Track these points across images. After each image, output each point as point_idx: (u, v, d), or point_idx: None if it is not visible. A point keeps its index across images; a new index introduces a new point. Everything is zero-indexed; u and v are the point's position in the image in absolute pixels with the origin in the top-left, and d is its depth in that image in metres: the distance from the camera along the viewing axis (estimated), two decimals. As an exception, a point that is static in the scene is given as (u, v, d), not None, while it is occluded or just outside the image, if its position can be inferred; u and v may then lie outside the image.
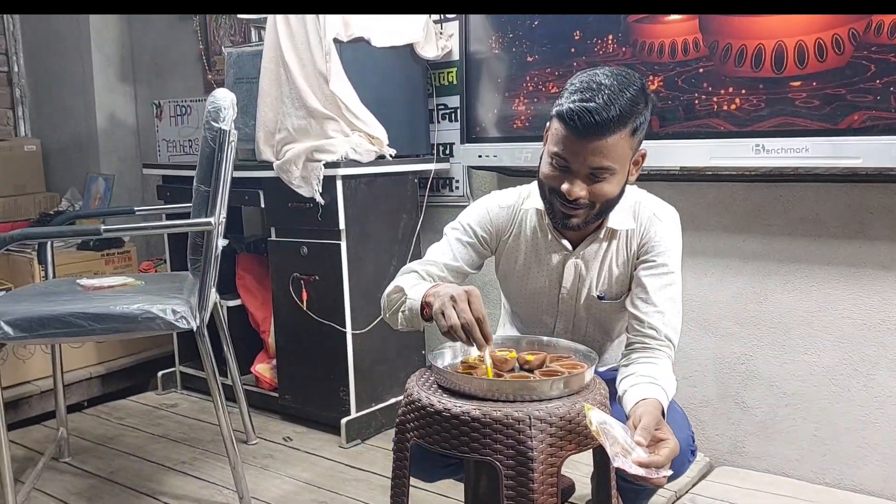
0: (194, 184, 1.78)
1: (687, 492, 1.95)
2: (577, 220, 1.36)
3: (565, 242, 1.46)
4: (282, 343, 2.48)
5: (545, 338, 1.45)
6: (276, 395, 2.54)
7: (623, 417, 1.25)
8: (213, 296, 2.17)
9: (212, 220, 1.74)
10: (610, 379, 1.40)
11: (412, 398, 1.26)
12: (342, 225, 2.26)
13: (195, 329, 1.77)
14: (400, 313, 1.37)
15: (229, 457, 1.86)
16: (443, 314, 1.21)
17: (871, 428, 1.89)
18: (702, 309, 2.12)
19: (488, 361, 1.24)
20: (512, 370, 1.35)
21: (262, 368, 2.58)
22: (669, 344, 1.40)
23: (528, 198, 1.50)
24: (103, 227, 1.66)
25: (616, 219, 1.42)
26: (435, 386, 1.28)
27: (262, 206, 2.44)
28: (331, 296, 2.31)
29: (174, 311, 1.74)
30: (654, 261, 1.43)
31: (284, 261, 2.41)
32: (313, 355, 2.39)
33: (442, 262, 1.48)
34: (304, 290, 2.36)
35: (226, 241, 2.19)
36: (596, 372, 1.56)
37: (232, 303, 2.68)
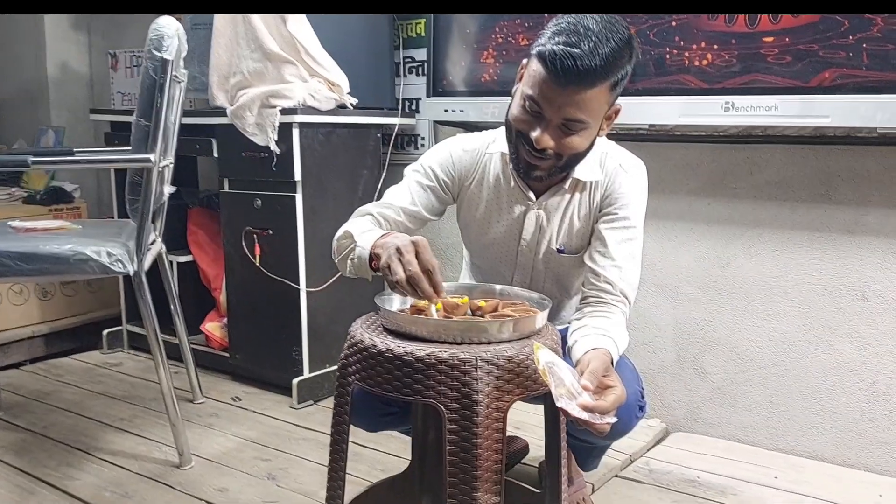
0: (134, 118, 1.67)
1: (642, 455, 1.91)
2: (540, 172, 1.30)
3: (529, 193, 1.39)
4: (233, 301, 2.39)
5: (498, 286, 1.38)
6: (227, 354, 2.45)
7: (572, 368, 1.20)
8: (159, 246, 2.07)
9: (151, 156, 1.64)
10: (566, 338, 1.35)
11: (354, 340, 1.19)
12: (298, 176, 2.16)
13: (132, 273, 1.67)
14: (348, 261, 1.29)
15: (168, 413, 1.78)
16: (389, 268, 1.14)
17: (825, 395, 1.87)
18: (663, 273, 2.08)
19: (434, 313, 1.17)
20: (464, 315, 1.29)
21: (213, 327, 2.49)
22: (625, 300, 1.35)
23: (493, 142, 1.43)
24: (31, 157, 1.55)
25: (582, 169, 1.36)
26: (381, 328, 1.21)
27: (215, 155, 2.33)
28: (285, 252, 2.22)
29: (109, 254, 1.64)
30: (615, 213, 1.37)
31: (237, 214, 2.31)
32: (265, 314, 2.31)
33: (399, 206, 1.41)
34: (256, 245, 2.26)
35: (173, 188, 2.08)
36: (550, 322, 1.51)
37: (182, 258, 2.57)
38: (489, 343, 1.14)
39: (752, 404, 1.98)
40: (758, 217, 1.93)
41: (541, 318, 1.22)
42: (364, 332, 1.19)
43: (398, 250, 1.14)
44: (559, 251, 1.43)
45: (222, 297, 2.46)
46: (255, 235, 2.27)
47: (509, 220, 1.43)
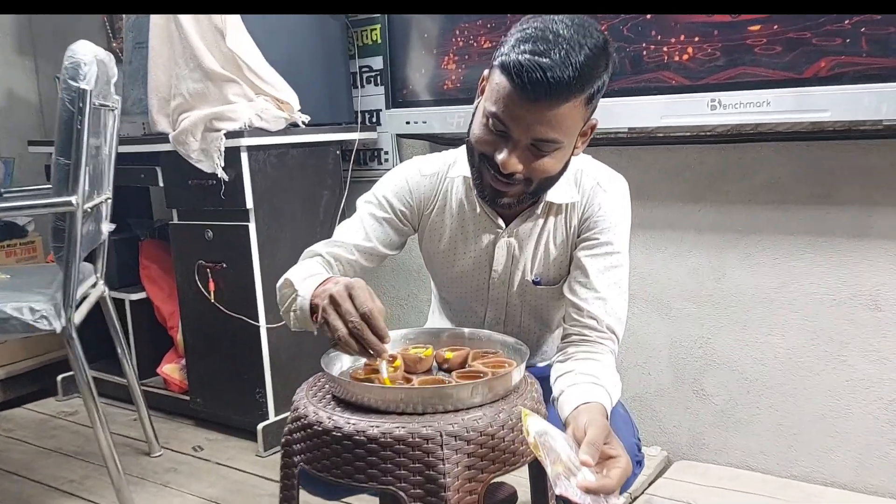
0: (53, 156, 1.48)
1: (643, 492, 1.74)
2: (508, 199, 1.13)
3: (497, 220, 1.22)
4: (190, 340, 2.19)
5: (467, 330, 1.21)
6: (187, 398, 2.26)
7: (559, 423, 1.03)
8: (100, 289, 1.88)
9: (73, 198, 1.44)
10: (548, 377, 1.17)
11: (297, 413, 1.01)
12: (250, 204, 1.97)
13: (58, 330, 1.48)
14: (291, 313, 1.11)
15: (112, 479, 1.59)
16: (327, 324, 0.96)
17: (841, 415, 1.71)
18: (654, 288, 1.91)
19: (384, 371, 0.99)
20: (429, 371, 1.11)
21: (171, 369, 2.29)
22: (612, 336, 1.18)
23: (454, 164, 1.26)
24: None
25: (556, 192, 1.19)
26: (329, 397, 1.03)
27: (161, 184, 2.14)
28: (241, 285, 2.03)
29: (32, 310, 1.45)
30: (596, 238, 1.20)
31: (188, 246, 2.12)
32: (225, 353, 2.12)
33: (352, 243, 1.23)
34: (210, 279, 2.07)
35: (112, 226, 1.89)
36: (534, 369, 1.34)
37: (136, 296, 2.37)
38: (458, 411, 0.96)
39: (760, 428, 1.81)
40: (753, 223, 1.76)
41: (518, 372, 1.04)
42: (308, 403, 1.01)
43: (332, 300, 0.96)
44: (535, 282, 1.25)
45: (179, 337, 2.26)
46: (208, 269, 2.08)
47: (477, 251, 1.26)
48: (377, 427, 0.92)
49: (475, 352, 1.14)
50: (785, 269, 1.74)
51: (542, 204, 1.20)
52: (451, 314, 1.39)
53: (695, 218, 1.84)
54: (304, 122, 2.05)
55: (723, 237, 1.81)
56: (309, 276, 1.10)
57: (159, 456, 2.05)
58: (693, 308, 1.86)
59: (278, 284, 1.16)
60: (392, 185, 1.26)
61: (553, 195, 1.19)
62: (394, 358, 1.09)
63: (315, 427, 0.96)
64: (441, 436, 0.91)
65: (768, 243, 1.75)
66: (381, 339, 0.95)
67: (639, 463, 1.22)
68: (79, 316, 1.62)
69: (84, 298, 1.76)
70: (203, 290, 2.08)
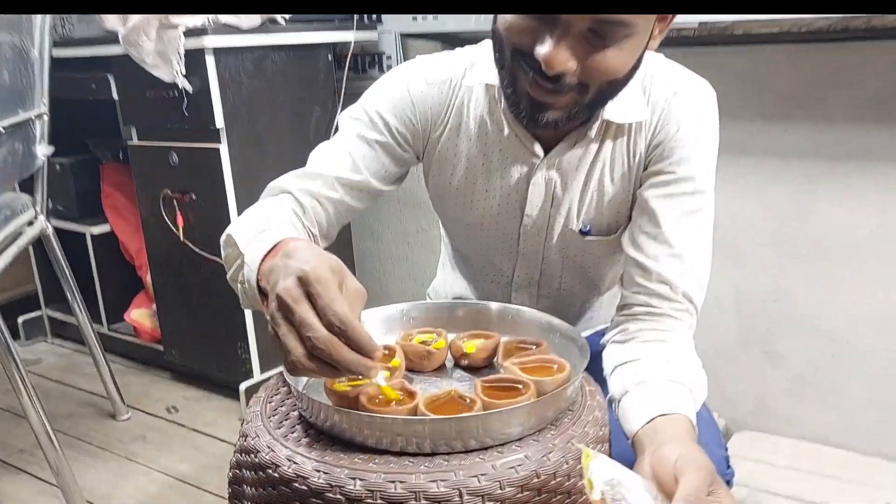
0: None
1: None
2: (552, 113, 0.78)
3: (534, 144, 0.86)
4: (159, 284, 1.87)
5: (495, 306, 0.87)
6: (161, 348, 1.95)
7: (619, 433, 0.72)
8: (39, 226, 1.55)
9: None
10: (597, 351, 0.85)
11: (247, 445, 0.68)
12: (220, 121, 1.60)
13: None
14: (238, 284, 0.76)
15: (49, 463, 1.29)
16: (278, 339, 0.61)
17: (953, 388, 1.37)
18: (722, 228, 1.53)
19: (380, 378, 0.65)
20: (442, 370, 0.78)
21: (140, 315, 1.98)
22: (690, 307, 0.86)
23: (471, 68, 0.89)
24: None
25: (617, 106, 0.83)
26: (295, 419, 0.70)
27: (115, 96, 1.76)
28: (214, 221, 1.68)
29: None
30: (671, 172, 0.86)
31: (151, 172, 1.77)
32: (200, 300, 1.80)
33: (334, 176, 0.88)
34: (178, 212, 1.73)
35: (49, 149, 1.53)
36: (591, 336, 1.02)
37: (98, 229, 2.03)
38: (485, 449, 0.63)
39: (846, 398, 1.49)
40: (853, 148, 1.38)
41: (574, 385, 0.70)
42: (264, 429, 0.68)
43: (280, 303, 0.60)
44: (583, 232, 0.91)
45: (149, 279, 1.94)
46: (175, 201, 1.73)
47: (505, 188, 0.91)
48: (362, 480, 0.59)
49: (508, 342, 0.80)
50: (892, 208, 1.37)
51: (598, 123, 0.84)
52: (467, 271, 1.05)
53: (779, 140, 1.45)
54: (285, 19, 1.65)
55: (814, 165, 1.43)
56: (261, 230, 0.74)
57: (126, 419, 1.76)
58: (769, 254, 1.50)
59: (222, 240, 0.81)
60: (388, 97, 0.89)
61: (612, 111, 0.83)
62: (390, 353, 0.76)
63: (269, 471, 0.63)
64: (461, 495, 0.58)
65: (872, 174, 1.37)
66: (368, 353, 0.60)
67: (728, 482, 0.90)
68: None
69: (15, 239, 1.43)
70: (171, 225, 1.74)
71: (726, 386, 1.61)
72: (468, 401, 0.67)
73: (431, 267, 1.19)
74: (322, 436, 0.66)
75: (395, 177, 0.93)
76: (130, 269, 2.08)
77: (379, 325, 0.85)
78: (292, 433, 0.67)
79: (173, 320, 1.88)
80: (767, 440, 1.55)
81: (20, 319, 2.25)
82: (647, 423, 0.72)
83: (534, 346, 0.80)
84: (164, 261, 1.83)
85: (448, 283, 1.09)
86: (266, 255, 0.67)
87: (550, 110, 0.77)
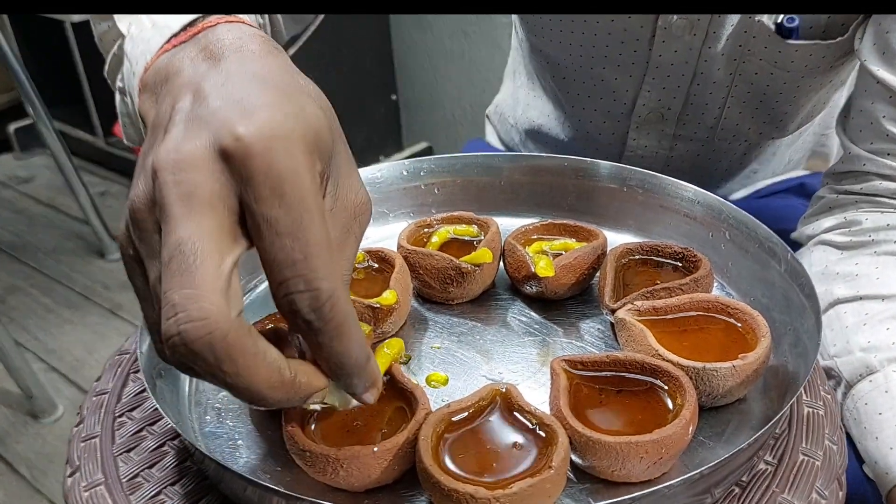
0: None
1: None
2: None
3: None
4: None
5: (606, 168, 0.44)
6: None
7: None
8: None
9: None
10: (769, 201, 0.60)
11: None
12: None
13: None
14: (117, 92, 0.40)
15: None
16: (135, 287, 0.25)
17: None
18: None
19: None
20: (483, 303, 0.37)
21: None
22: None
23: None
24: None
25: None
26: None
27: None
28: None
29: None
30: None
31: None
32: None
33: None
34: None
35: None
36: (739, 200, 0.62)
37: (80, 16, 1.60)
38: None
39: None
40: None
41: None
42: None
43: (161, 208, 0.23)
44: (784, 30, 0.45)
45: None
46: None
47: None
48: None
49: (625, 250, 0.38)
50: None
51: None
52: (554, 86, 0.60)
53: None
54: None
55: None
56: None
57: (116, 259, 1.45)
58: None
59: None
60: None
61: None
62: (383, 270, 0.37)
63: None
64: None
65: None
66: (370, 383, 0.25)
67: None
68: None
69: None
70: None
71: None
72: (528, 433, 0.27)
73: (498, 68, 0.74)
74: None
75: None
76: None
77: (378, 203, 0.45)
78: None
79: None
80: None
81: (11, 128, 1.91)
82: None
83: (678, 264, 0.38)
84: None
85: (520, 101, 0.67)
86: (166, 45, 0.30)
87: None
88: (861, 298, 0.42)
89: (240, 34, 0.27)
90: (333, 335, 0.23)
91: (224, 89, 0.24)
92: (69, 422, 1.04)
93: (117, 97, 0.41)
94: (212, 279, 0.22)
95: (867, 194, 0.46)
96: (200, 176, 0.22)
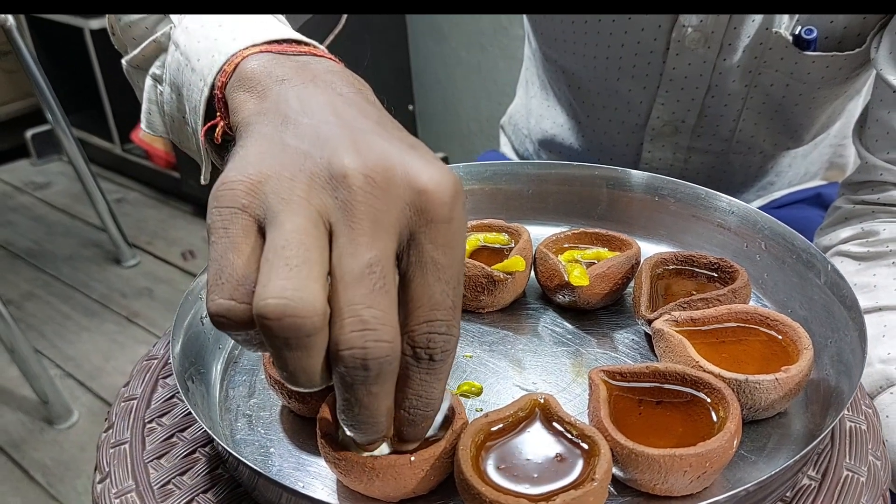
0: None
1: None
2: None
3: None
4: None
5: (638, 177, 0.43)
6: (177, 174, 1.61)
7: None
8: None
9: None
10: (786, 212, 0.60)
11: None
12: None
13: None
14: (148, 80, 0.39)
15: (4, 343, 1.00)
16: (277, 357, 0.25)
17: None
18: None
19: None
20: (515, 312, 0.37)
21: (149, 136, 1.61)
22: None
23: None
24: None
25: None
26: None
27: None
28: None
29: None
30: None
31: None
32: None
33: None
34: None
35: None
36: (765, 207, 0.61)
37: (98, 22, 1.62)
38: None
39: None
40: None
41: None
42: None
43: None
44: (801, 41, 0.44)
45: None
46: None
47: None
48: None
49: (660, 260, 0.37)
50: None
51: None
52: (567, 97, 0.60)
53: None
54: None
55: None
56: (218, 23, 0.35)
57: (133, 266, 1.46)
58: None
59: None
60: None
61: None
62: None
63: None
64: None
65: None
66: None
67: None
68: None
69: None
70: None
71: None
72: (569, 445, 0.27)
73: (514, 80, 0.74)
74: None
75: None
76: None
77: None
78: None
79: (186, 144, 1.51)
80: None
81: (28, 134, 1.93)
82: None
83: (714, 274, 0.37)
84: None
85: (533, 112, 0.66)
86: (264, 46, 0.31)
87: None
88: (880, 310, 0.41)
89: (353, 79, 0.31)
90: (441, 376, 0.26)
91: (398, 132, 0.27)
92: (84, 428, 1.04)
93: (148, 82, 0.39)
94: (394, 305, 0.24)
95: (884, 204, 0.45)
96: (391, 203, 0.24)
